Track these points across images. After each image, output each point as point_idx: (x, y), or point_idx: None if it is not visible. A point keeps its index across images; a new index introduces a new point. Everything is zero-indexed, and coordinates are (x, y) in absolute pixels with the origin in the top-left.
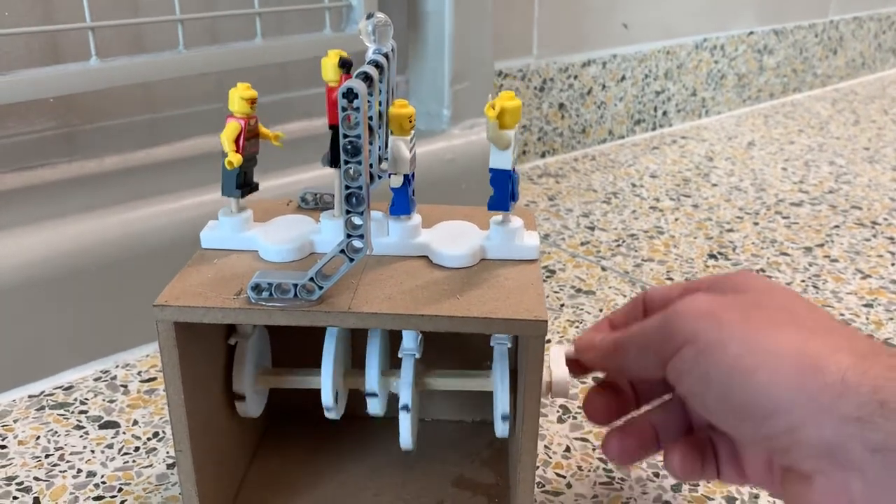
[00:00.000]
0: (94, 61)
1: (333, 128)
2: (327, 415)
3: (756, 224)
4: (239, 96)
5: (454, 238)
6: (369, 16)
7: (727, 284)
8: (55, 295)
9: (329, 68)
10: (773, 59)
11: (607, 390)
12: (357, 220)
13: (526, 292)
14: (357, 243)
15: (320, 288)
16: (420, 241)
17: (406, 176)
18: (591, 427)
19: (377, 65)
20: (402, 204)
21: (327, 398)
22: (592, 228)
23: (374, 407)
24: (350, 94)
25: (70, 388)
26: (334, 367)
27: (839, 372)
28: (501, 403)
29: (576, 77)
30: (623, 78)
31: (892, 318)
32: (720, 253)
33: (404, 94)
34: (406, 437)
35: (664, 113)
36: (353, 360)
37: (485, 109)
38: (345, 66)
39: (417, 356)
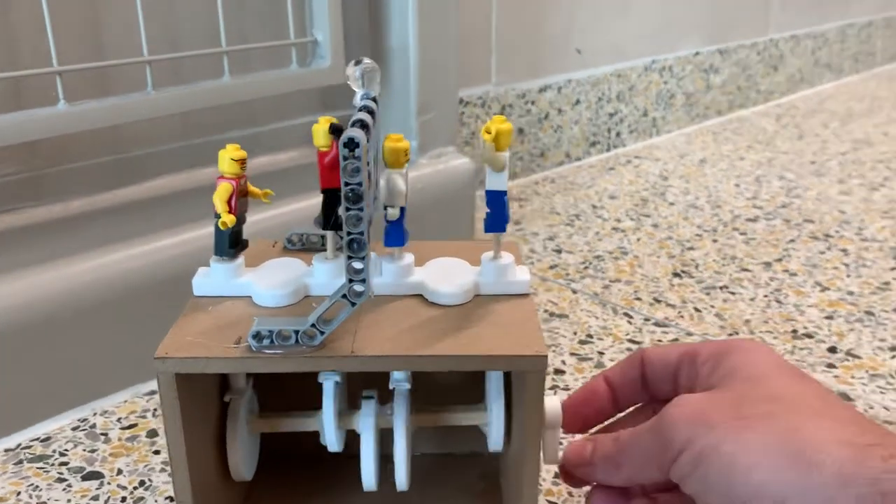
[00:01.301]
0: (62, 105)
1: (326, 192)
2: (331, 449)
3: (715, 241)
4: (229, 157)
5: (447, 275)
6: (357, 62)
7: (721, 367)
8: (27, 344)
9: (320, 134)
10: (718, 78)
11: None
12: (358, 265)
13: (523, 327)
14: (358, 287)
15: (322, 333)
16: (414, 279)
17: (402, 208)
18: None
19: (370, 111)
20: (397, 236)
21: (332, 441)
22: (559, 251)
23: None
24: (351, 144)
25: (48, 439)
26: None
27: (836, 464)
28: (496, 420)
29: (533, 102)
30: (578, 101)
31: (852, 329)
32: (683, 272)
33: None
34: (402, 478)
35: (618, 134)
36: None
37: (481, 133)
38: (336, 132)
39: (408, 386)
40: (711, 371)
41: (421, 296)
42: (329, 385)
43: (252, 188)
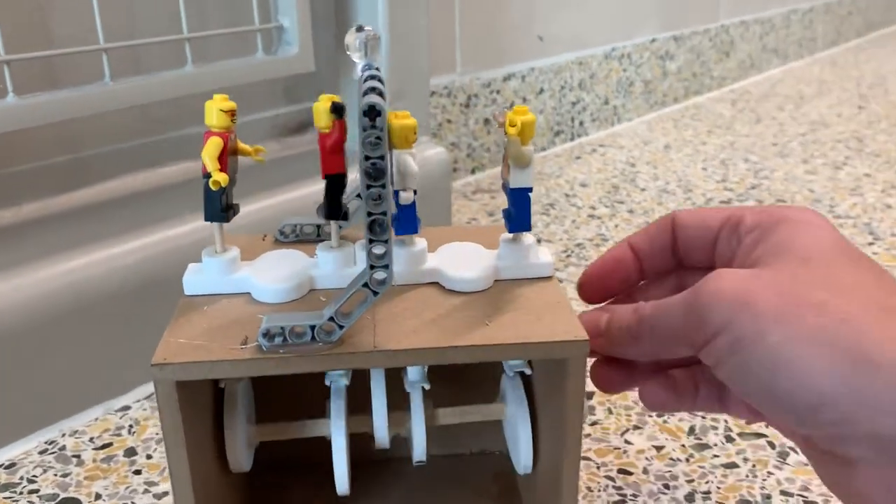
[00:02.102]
0: (11, 98)
1: (330, 178)
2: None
3: None
4: (217, 108)
5: (464, 260)
6: (359, 28)
7: (767, 240)
8: None
9: (321, 114)
10: (674, 65)
11: (616, 364)
12: (380, 250)
13: (556, 312)
14: (380, 275)
15: (341, 327)
16: (428, 266)
17: (413, 191)
18: (592, 445)
19: (380, 79)
20: (410, 222)
21: (341, 470)
22: (538, 241)
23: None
24: (372, 112)
25: (13, 465)
26: (344, 418)
27: (894, 366)
28: (525, 442)
29: (498, 92)
30: (541, 90)
31: None
32: None
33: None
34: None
35: (580, 123)
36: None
37: (505, 126)
38: (337, 111)
39: (426, 387)
40: (756, 242)
41: (437, 284)
42: (339, 390)
43: (242, 145)
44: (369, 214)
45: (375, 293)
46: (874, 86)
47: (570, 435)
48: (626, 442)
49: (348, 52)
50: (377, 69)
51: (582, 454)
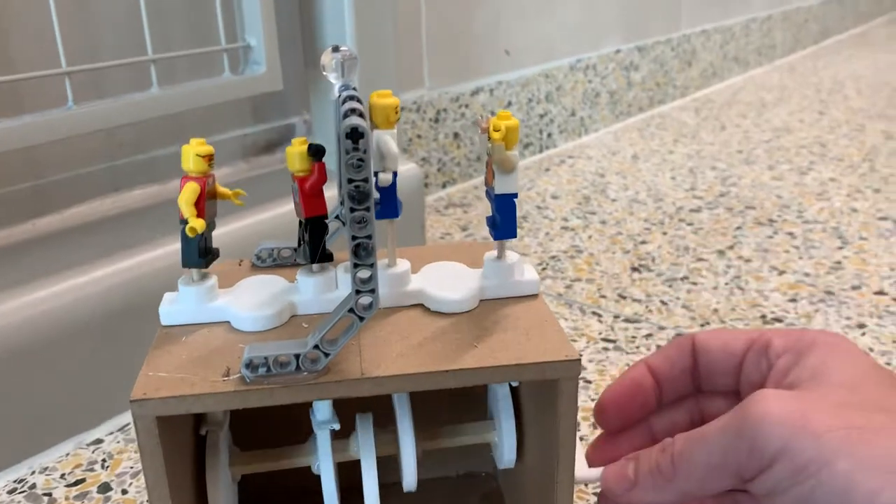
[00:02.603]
0: None
1: (312, 221)
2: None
3: (665, 234)
4: (194, 153)
5: (448, 280)
6: (335, 49)
7: (803, 365)
8: None
9: (297, 158)
10: (638, 75)
11: None
12: (366, 274)
13: (545, 331)
14: (366, 299)
15: (326, 355)
16: (412, 288)
17: (394, 173)
18: None
19: (358, 100)
20: (390, 205)
21: (330, 492)
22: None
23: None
24: (355, 134)
25: None
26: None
27: None
28: (508, 448)
29: (467, 106)
30: (509, 103)
31: (818, 310)
32: (641, 265)
33: (305, 133)
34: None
35: (549, 135)
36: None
37: (488, 132)
38: (317, 153)
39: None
40: (791, 366)
41: (422, 305)
42: (325, 419)
43: (221, 189)
44: (353, 238)
45: (361, 318)
46: (833, 92)
47: (563, 456)
48: None
49: (324, 73)
50: (354, 89)
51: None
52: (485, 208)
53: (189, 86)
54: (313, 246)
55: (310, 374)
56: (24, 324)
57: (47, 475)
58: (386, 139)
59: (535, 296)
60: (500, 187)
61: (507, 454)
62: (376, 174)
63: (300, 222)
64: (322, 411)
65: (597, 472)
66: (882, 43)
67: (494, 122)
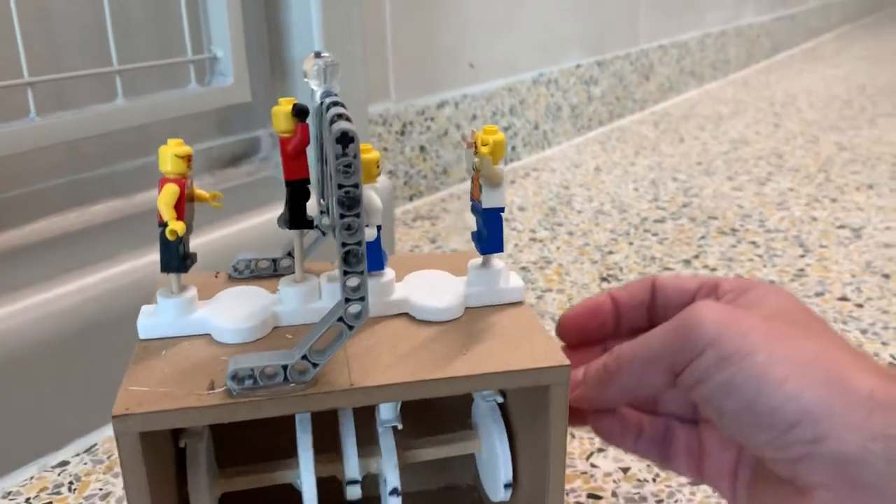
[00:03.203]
0: None
1: (293, 184)
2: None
3: (631, 244)
4: (172, 154)
5: (433, 289)
6: (317, 55)
7: (745, 297)
8: None
9: (282, 118)
10: (598, 89)
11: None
12: (355, 282)
13: (533, 338)
14: (355, 308)
15: (315, 365)
16: (397, 297)
17: (378, 227)
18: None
19: (343, 105)
20: (375, 258)
21: (310, 495)
22: None
23: (355, 494)
24: (345, 139)
25: None
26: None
27: (867, 389)
28: (504, 469)
29: (433, 119)
30: (474, 117)
31: None
32: (610, 275)
33: (272, 147)
34: None
35: (513, 148)
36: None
37: (476, 145)
38: (300, 114)
39: (399, 427)
40: (735, 299)
41: (407, 315)
42: (304, 427)
43: (199, 191)
44: (343, 245)
45: (351, 327)
46: (786, 104)
47: (553, 465)
48: (593, 465)
49: (306, 80)
50: (336, 95)
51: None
52: (452, 220)
53: (155, 97)
54: (293, 210)
55: (298, 386)
56: None
57: (10, 500)
58: (370, 194)
59: (519, 303)
60: (488, 201)
61: (504, 475)
62: None
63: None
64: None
65: None
66: (830, 57)
67: (481, 137)
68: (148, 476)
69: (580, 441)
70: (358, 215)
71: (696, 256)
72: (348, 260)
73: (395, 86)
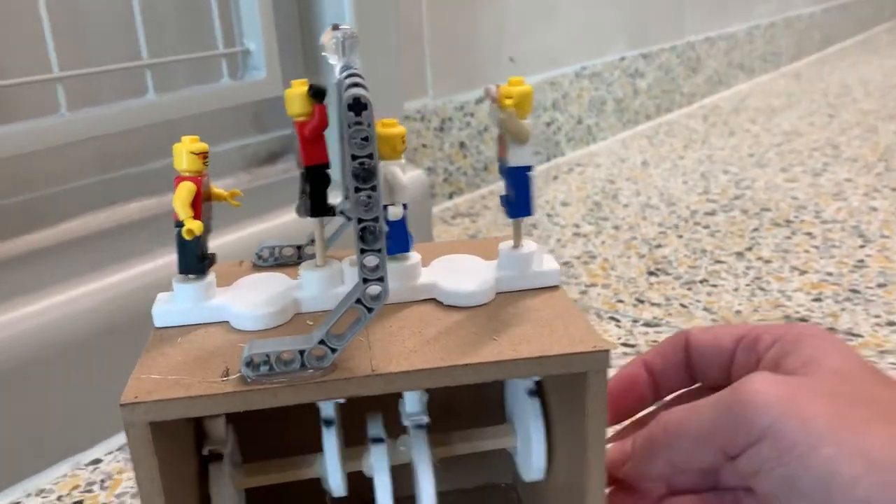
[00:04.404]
0: None
1: (312, 169)
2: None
3: (680, 237)
4: (188, 151)
5: (461, 273)
6: (334, 27)
7: (794, 354)
8: None
9: (296, 100)
10: (644, 83)
11: (630, 490)
12: (373, 261)
13: (569, 322)
14: (374, 289)
15: (333, 351)
16: (423, 281)
17: (404, 205)
18: None
19: (361, 77)
20: (401, 239)
21: (337, 486)
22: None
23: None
24: (358, 105)
25: None
26: (338, 449)
27: None
28: (537, 456)
29: (472, 114)
30: None
31: (843, 309)
32: (658, 269)
33: None
34: None
35: (556, 143)
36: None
37: (499, 99)
38: (318, 94)
39: (426, 421)
40: (781, 357)
41: (434, 300)
42: (329, 417)
43: (216, 190)
44: (359, 221)
45: (370, 310)
46: (841, 95)
47: (592, 458)
48: None
49: (324, 54)
50: (356, 69)
51: None
52: (493, 216)
53: (185, 92)
54: (314, 197)
55: (316, 372)
56: (17, 340)
57: (43, 497)
58: (394, 170)
59: (555, 287)
60: (515, 159)
61: (535, 461)
62: (385, 207)
63: (301, 174)
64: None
65: None
66: (886, 49)
67: (505, 90)
68: (163, 467)
69: None
70: (374, 188)
71: (750, 248)
72: (365, 237)
73: (433, 81)
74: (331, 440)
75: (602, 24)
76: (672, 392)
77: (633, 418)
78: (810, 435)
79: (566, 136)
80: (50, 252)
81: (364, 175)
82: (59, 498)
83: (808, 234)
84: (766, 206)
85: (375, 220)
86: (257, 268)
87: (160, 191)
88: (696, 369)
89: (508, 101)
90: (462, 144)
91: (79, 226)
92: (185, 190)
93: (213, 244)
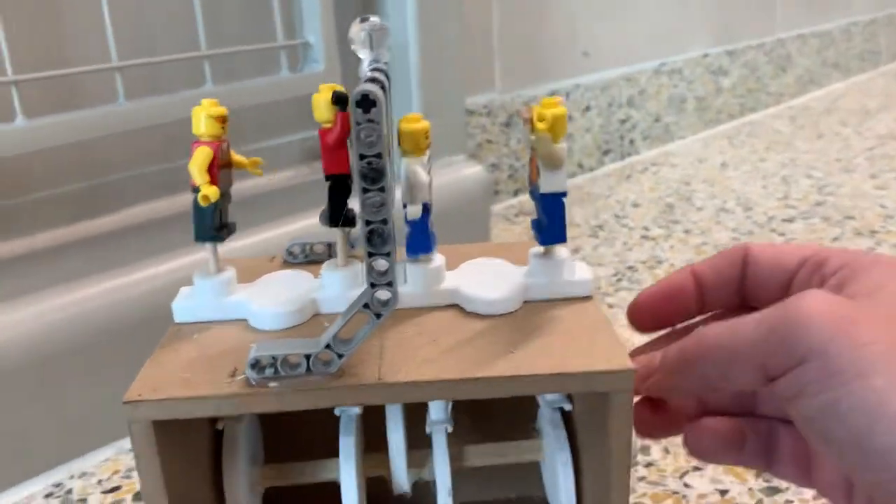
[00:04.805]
0: (20, 121)
1: (332, 178)
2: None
3: None
4: (206, 115)
5: (488, 279)
6: (363, 19)
7: (861, 280)
8: None
9: (322, 106)
10: (728, 80)
11: (658, 407)
12: (382, 265)
13: (595, 337)
14: (383, 294)
15: (340, 356)
16: (447, 286)
17: (425, 205)
18: (647, 489)
19: (384, 73)
20: (421, 240)
21: (351, 498)
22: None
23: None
24: (366, 102)
25: None
26: (356, 456)
27: None
28: (566, 489)
29: None
30: (588, 108)
31: None
32: None
33: None
34: None
35: (631, 141)
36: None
37: (532, 122)
38: (340, 101)
39: (449, 429)
40: (847, 281)
41: (457, 306)
42: (348, 424)
43: (237, 157)
44: (367, 223)
45: (378, 315)
46: None
47: (615, 482)
48: (686, 485)
49: (353, 47)
50: (385, 63)
51: (635, 499)
52: None
53: (244, 83)
54: (333, 208)
55: (322, 377)
56: (72, 322)
57: (85, 480)
58: (415, 169)
59: (587, 298)
60: (547, 185)
61: (565, 499)
62: (405, 206)
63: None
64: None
65: None
66: None
67: (538, 111)
68: (171, 466)
69: (675, 457)
70: (383, 189)
71: None
72: (372, 240)
73: (501, 75)
74: (348, 447)
75: (684, 18)
76: (717, 309)
77: (667, 330)
78: (862, 362)
79: (642, 133)
80: (114, 237)
81: (373, 175)
82: (99, 482)
83: (895, 245)
84: (849, 214)
85: (384, 222)
86: (288, 265)
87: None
88: (750, 288)
89: (541, 125)
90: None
91: (141, 212)
92: (202, 155)
93: (273, 234)
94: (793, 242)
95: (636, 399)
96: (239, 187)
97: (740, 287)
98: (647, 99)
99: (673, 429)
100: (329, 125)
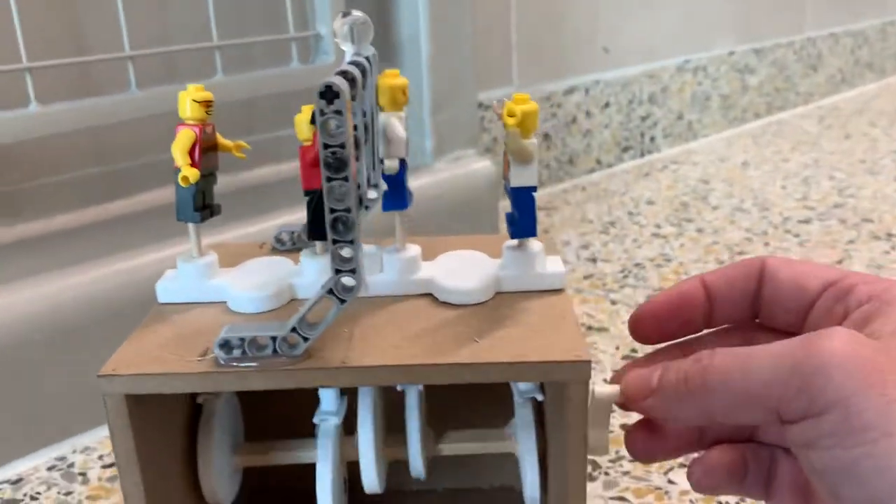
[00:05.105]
0: (34, 107)
1: (310, 193)
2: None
3: (767, 245)
4: (191, 99)
5: (462, 270)
6: (345, 14)
7: (889, 316)
8: None
9: (303, 126)
10: (755, 79)
11: (656, 431)
12: (346, 252)
13: (559, 328)
14: (348, 280)
15: (305, 339)
16: (421, 276)
17: (402, 160)
18: (630, 484)
19: (358, 65)
20: (398, 195)
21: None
22: (594, 260)
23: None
24: (329, 94)
25: (19, 481)
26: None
27: None
28: (531, 484)
29: (559, 105)
30: (607, 104)
31: None
32: None
33: None
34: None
35: (651, 139)
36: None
37: (502, 117)
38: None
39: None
40: (873, 316)
41: (431, 295)
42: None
43: (222, 140)
44: (332, 211)
45: (342, 301)
46: None
47: (572, 473)
48: (670, 482)
49: (336, 41)
50: (366, 58)
51: (619, 495)
52: (571, 212)
53: (255, 74)
54: (311, 222)
55: (288, 359)
56: (81, 300)
57: (86, 455)
58: (392, 122)
59: (559, 291)
60: (517, 179)
61: (529, 490)
62: (381, 161)
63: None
64: (327, 400)
65: (616, 387)
66: None
67: (510, 107)
68: (144, 438)
69: None
70: (346, 178)
71: (840, 261)
72: (336, 228)
73: (519, 69)
74: (326, 436)
75: (709, 15)
76: (726, 324)
77: (668, 343)
78: (889, 419)
79: (663, 131)
80: (125, 220)
81: (336, 165)
82: (100, 456)
83: None
84: (867, 217)
85: (347, 210)
86: (276, 251)
87: (234, 169)
88: (766, 306)
89: (511, 121)
90: (546, 136)
91: (152, 198)
92: (185, 137)
93: (284, 222)
94: (814, 261)
95: (636, 418)
96: (250, 176)
97: (754, 303)
98: (670, 96)
99: (672, 453)
100: (309, 143)
